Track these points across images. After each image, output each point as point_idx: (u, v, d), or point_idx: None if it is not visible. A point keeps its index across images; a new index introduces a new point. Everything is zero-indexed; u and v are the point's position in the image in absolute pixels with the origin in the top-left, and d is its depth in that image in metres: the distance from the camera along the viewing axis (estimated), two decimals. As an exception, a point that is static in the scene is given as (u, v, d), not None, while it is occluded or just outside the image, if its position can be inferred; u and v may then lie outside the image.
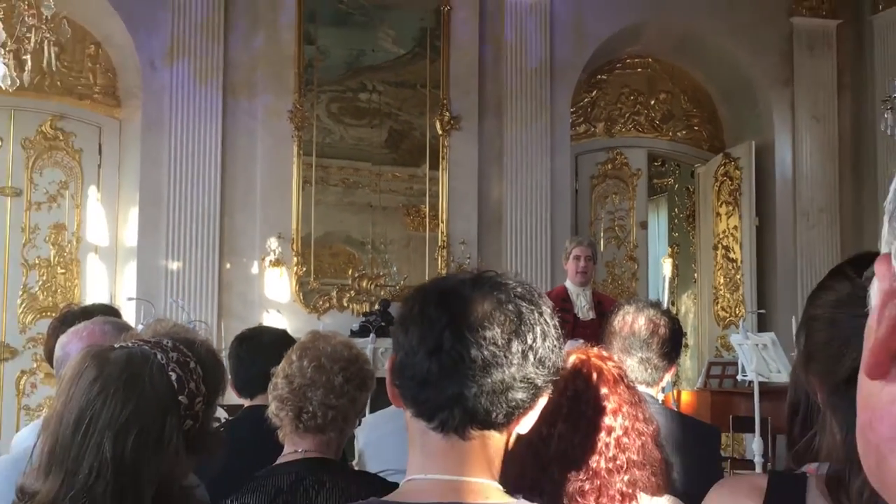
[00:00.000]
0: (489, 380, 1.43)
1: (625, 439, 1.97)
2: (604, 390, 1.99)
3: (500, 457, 1.52)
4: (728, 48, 9.45)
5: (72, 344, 2.59)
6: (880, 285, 0.62)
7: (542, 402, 1.52)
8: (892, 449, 0.61)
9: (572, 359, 2.01)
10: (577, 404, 1.96)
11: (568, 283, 6.58)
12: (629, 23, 9.15)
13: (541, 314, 1.49)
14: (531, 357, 1.45)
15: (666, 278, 9.95)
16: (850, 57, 9.56)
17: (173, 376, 1.67)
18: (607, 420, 1.97)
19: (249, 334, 3.65)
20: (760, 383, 6.31)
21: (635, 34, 9.41)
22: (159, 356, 1.69)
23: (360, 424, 3.43)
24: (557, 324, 1.52)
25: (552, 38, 8.85)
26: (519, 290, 1.49)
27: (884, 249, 0.62)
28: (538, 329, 1.47)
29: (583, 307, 6.48)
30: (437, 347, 1.43)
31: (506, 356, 1.43)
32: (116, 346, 1.72)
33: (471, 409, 1.44)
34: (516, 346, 1.44)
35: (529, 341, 1.45)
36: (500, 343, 1.43)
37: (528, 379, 1.46)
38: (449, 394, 1.44)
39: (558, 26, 8.89)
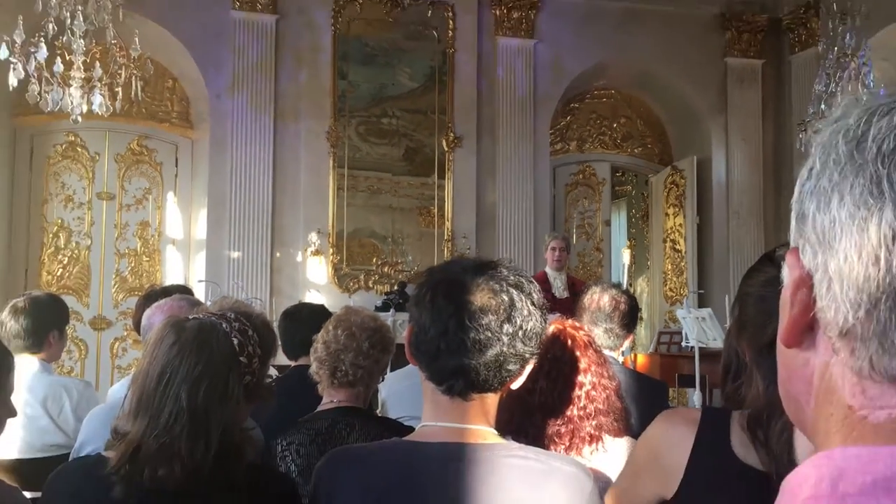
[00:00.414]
0: (486, 356, 1.45)
1: (593, 392, 1.97)
2: (576, 353, 1.99)
3: (496, 409, 1.54)
4: (675, 82, 9.41)
5: (155, 316, 2.59)
6: (791, 273, 0.62)
7: (530, 367, 1.53)
8: (806, 400, 0.62)
9: (551, 328, 2.02)
10: (555, 364, 1.96)
11: (547, 269, 6.58)
12: (597, 62, 9.11)
13: (528, 297, 1.49)
14: (520, 335, 1.46)
15: (625, 265, 9.93)
16: (772, 90, 9.51)
17: (235, 341, 1.67)
18: (579, 377, 1.97)
19: (294, 309, 3.66)
20: (700, 348, 6.30)
21: (602, 71, 9.37)
22: (224, 325, 1.69)
23: (383, 380, 3.44)
24: (543, 301, 1.53)
25: (535, 74, 8.82)
26: (511, 278, 1.50)
27: (792, 244, 0.63)
28: (525, 311, 1.48)
29: (559, 288, 6.48)
30: (444, 331, 1.45)
31: (499, 338, 1.45)
32: (190, 317, 1.72)
33: (471, 379, 1.46)
34: (507, 329, 1.45)
35: (519, 322, 1.46)
36: (494, 328, 1.44)
37: (517, 353, 1.47)
38: (453, 367, 1.46)
39: (540, 65, 8.86)
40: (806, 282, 0.60)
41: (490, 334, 1.44)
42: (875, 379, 0.57)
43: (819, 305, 0.59)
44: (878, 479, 0.53)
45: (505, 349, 1.45)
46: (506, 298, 1.46)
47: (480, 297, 1.45)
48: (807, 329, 0.61)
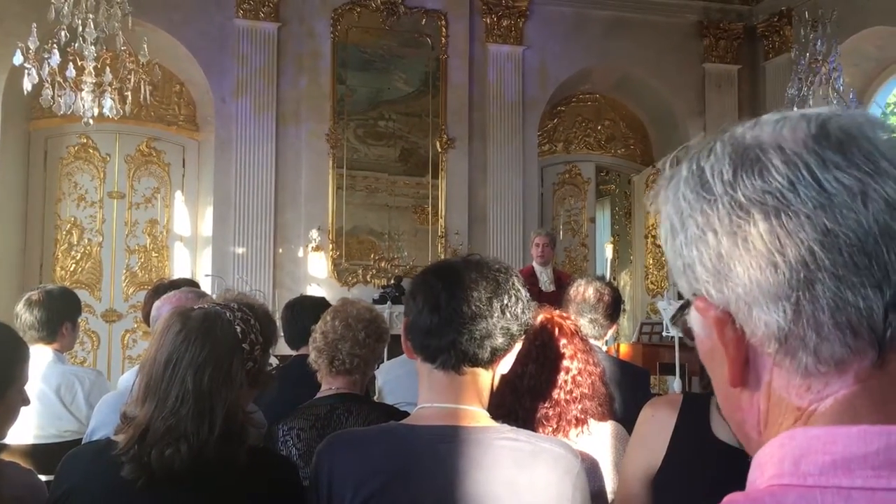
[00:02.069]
0: (476, 328, 1.47)
1: (579, 378, 1.97)
2: (563, 341, 1.99)
3: (488, 390, 1.55)
4: (656, 87, 9.42)
5: (164, 307, 2.58)
6: (706, 319, 0.62)
7: (517, 347, 1.54)
8: (758, 431, 0.63)
9: (540, 317, 2.02)
10: (543, 350, 1.96)
11: (534, 264, 6.58)
12: (582, 67, 9.13)
13: (513, 285, 1.53)
14: (507, 312, 1.49)
15: (609, 259, 9.92)
16: (748, 94, 9.53)
17: (238, 329, 1.67)
18: (566, 363, 1.97)
19: (295, 301, 3.64)
20: (679, 338, 6.31)
21: (586, 76, 9.39)
22: (228, 314, 1.69)
23: (378, 368, 3.44)
24: (527, 294, 1.56)
25: (524, 79, 8.83)
26: (496, 266, 1.54)
27: (692, 295, 0.64)
28: (512, 293, 1.51)
29: (545, 282, 6.47)
30: (436, 305, 1.48)
31: (488, 310, 1.48)
32: (196, 307, 1.72)
33: (463, 351, 1.48)
34: (495, 304, 1.49)
35: (505, 300, 1.50)
36: (483, 301, 1.48)
37: (505, 328, 1.49)
38: (447, 340, 1.48)
39: (528, 71, 8.86)
40: (726, 318, 0.61)
41: (479, 306, 1.47)
42: (821, 370, 0.58)
43: (748, 332, 0.60)
44: (836, 459, 0.54)
45: (492, 322, 1.47)
46: (491, 279, 1.50)
47: (469, 276, 1.49)
48: (745, 364, 0.62)
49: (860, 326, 0.56)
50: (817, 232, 0.56)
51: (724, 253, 0.60)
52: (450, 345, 1.48)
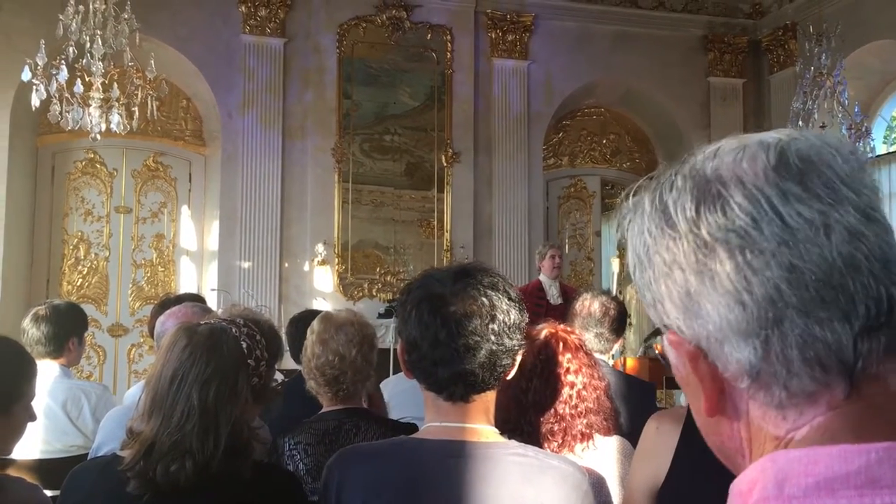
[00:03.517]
0: (479, 358, 1.45)
1: (584, 392, 1.96)
2: (567, 355, 1.99)
3: (494, 405, 1.54)
4: (661, 100, 9.43)
5: (168, 322, 2.57)
6: (679, 353, 0.63)
7: (520, 357, 1.54)
8: (743, 455, 0.63)
9: (544, 332, 2.01)
10: (547, 365, 1.95)
11: (542, 277, 6.56)
12: (587, 81, 9.15)
13: (505, 294, 1.50)
14: (505, 331, 1.47)
15: (615, 273, 9.91)
16: (752, 107, 9.54)
17: (244, 345, 1.67)
18: (570, 377, 1.96)
19: (300, 316, 3.62)
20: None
21: (591, 90, 9.40)
22: (234, 330, 1.69)
23: (384, 382, 3.43)
24: (518, 294, 1.54)
25: (529, 93, 8.85)
26: (486, 280, 1.50)
27: (663, 327, 0.65)
28: (504, 307, 1.48)
29: (553, 295, 6.46)
30: (435, 342, 1.45)
31: (487, 338, 1.45)
32: (202, 322, 1.72)
33: (470, 382, 1.47)
34: (493, 328, 1.46)
35: (501, 319, 1.47)
36: (480, 331, 1.45)
37: (506, 348, 1.48)
38: (451, 374, 1.46)
39: (534, 85, 8.89)
40: (698, 354, 0.61)
41: (479, 337, 1.44)
42: (793, 402, 0.58)
43: (721, 367, 0.60)
44: (819, 480, 0.54)
45: (495, 347, 1.45)
46: (486, 301, 1.47)
47: (462, 306, 1.45)
48: (722, 393, 0.62)
49: (829, 360, 0.56)
50: (783, 269, 0.56)
51: (692, 291, 0.60)
52: (456, 377, 1.46)
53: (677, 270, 0.61)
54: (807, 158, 0.59)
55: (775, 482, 0.56)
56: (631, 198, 0.67)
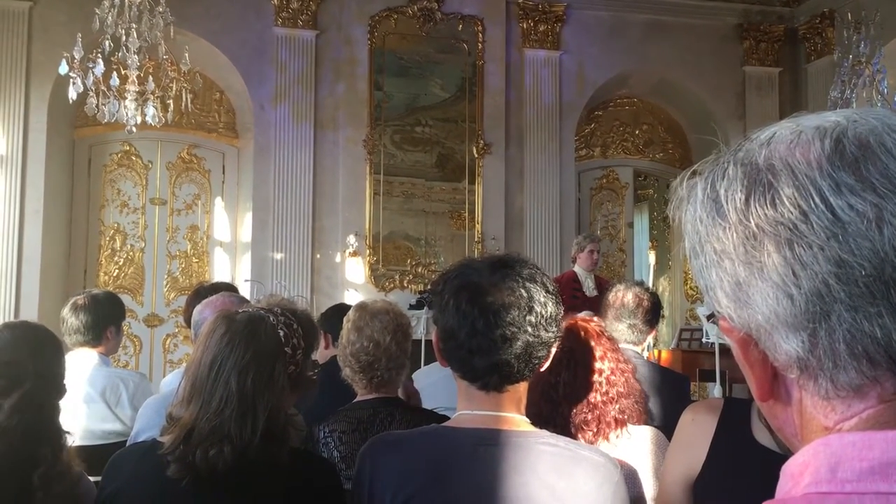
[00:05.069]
0: (515, 349, 1.45)
1: (612, 377, 1.96)
2: (591, 343, 1.99)
3: (526, 396, 1.54)
4: (695, 90, 9.32)
5: (205, 311, 2.61)
6: (731, 339, 0.63)
7: (554, 349, 1.54)
8: (798, 439, 0.63)
9: (564, 324, 2.01)
10: (572, 356, 1.95)
11: (578, 269, 6.54)
12: (619, 71, 9.07)
13: (542, 286, 1.50)
14: (542, 323, 1.47)
15: (649, 265, 9.85)
16: (788, 97, 9.40)
17: (281, 333, 1.69)
18: (597, 364, 1.96)
19: (333, 309, 3.64)
20: (720, 345, 6.24)
21: (624, 80, 9.32)
22: (271, 318, 1.71)
23: (416, 373, 3.44)
24: (555, 286, 1.54)
25: (561, 84, 8.80)
26: (524, 272, 1.50)
27: (715, 313, 0.65)
28: (542, 299, 1.48)
29: (589, 287, 6.45)
30: (472, 332, 1.46)
31: (525, 329, 1.45)
32: (240, 311, 1.75)
33: (505, 373, 1.47)
34: (531, 319, 1.46)
35: (538, 310, 1.47)
36: (518, 322, 1.45)
37: (542, 340, 1.48)
38: (487, 364, 1.47)
39: (565, 75, 8.83)
40: (749, 340, 0.61)
41: (516, 328, 1.45)
42: (840, 395, 0.58)
43: (771, 356, 0.60)
44: (874, 465, 0.54)
45: (531, 339, 1.46)
46: (524, 293, 1.47)
47: (501, 296, 1.46)
48: (773, 379, 0.62)
49: (877, 355, 0.56)
50: (831, 264, 0.55)
51: (741, 281, 0.60)
52: (491, 368, 1.47)
53: (727, 260, 0.60)
54: (865, 144, 0.58)
55: (828, 466, 0.55)
56: (686, 181, 0.66)
